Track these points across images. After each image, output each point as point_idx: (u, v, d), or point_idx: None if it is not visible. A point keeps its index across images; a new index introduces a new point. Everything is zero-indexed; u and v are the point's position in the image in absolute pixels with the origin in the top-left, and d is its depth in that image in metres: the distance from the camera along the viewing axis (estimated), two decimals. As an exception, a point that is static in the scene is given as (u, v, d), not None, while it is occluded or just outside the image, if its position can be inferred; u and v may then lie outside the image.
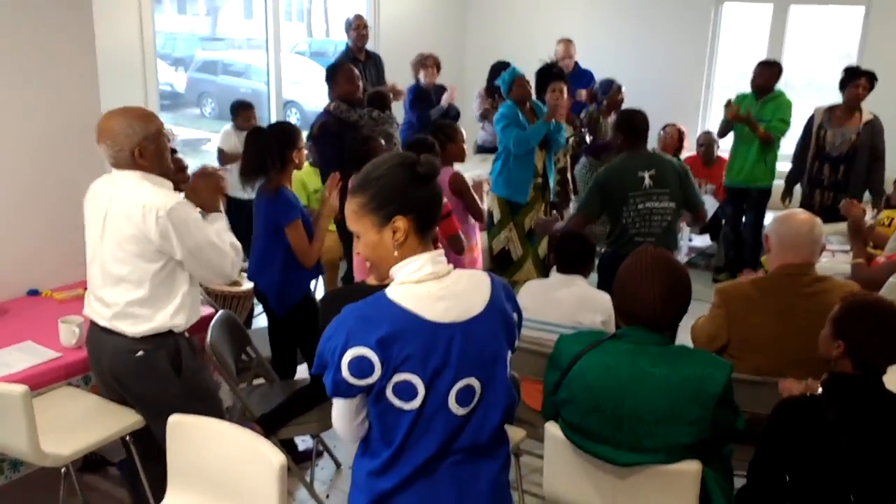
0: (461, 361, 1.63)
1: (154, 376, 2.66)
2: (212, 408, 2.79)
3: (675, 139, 6.35)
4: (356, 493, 1.75)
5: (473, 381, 1.66)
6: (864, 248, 3.74)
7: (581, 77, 6.61)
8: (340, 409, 1.68)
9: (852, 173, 5.35)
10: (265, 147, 3.39)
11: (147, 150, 2.57)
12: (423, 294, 1.63)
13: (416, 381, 1.60)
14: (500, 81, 5.21)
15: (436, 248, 1.72)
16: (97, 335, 2.71)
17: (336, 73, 5.04)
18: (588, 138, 6.24)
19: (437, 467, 1.68)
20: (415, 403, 1.62)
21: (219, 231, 2.74)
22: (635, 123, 4.16)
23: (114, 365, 2.68)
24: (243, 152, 3.50)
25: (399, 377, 1.59)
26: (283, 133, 3.46)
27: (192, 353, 2.76)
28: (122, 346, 2.63)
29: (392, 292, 1.64)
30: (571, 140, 5.62)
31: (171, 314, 2.63)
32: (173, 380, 2.68)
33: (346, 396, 1.64)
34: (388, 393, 1.61)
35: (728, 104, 5.77)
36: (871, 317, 2.17)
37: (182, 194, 2.74)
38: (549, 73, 5.47)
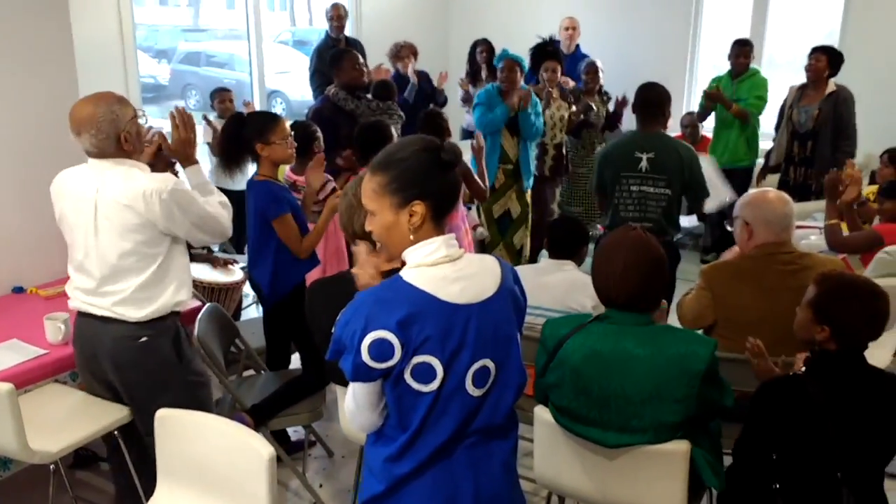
0: (478, 342, 1.65)
1: (157, 362, 2.64)
2: (207, 398, 2.81)
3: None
4: (372, 480, 1.74)
5: (489, 363, 1.68)
6: (836, 209, 3.72)
7: (579, 60, 6.52)
8: (360, 397, 1.67)
9: (817, 148, 5.27)
10: (235, 135, 3.34)
11: (131, 134, 2.53)
12: (438, 276, 1.64)
13: (435, 362, 1.61)
14: (496, 62, 5.18)
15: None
16: (93, 327, 2.65)
17: (342, 60, 4.89)
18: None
19: (453, 450, 1.69)
20: (433, 386, 1.62)
21: (208, 192, 2.75)
22: (645, 98, 3.94)
23: (116, 353, 2.64)
24: (220, 139, 3.46)
25: (418, 359, 1.60)
26: (255, 122, 3.35)
27: (188, 341, 2.78)
28: (125, 333, 2.60)
29: (408, 275, 1.64)
30: (567, 116, 5.56)
31: (173, 292, 2.63)
32: (175, 366, 2.67)
33: (366, 381, 1.63)
34: (407, 376, 1.61)
35: (705, 94, 5.80)
36: (853, 298, 2.15)
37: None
38: (543, 52, 5.41)
